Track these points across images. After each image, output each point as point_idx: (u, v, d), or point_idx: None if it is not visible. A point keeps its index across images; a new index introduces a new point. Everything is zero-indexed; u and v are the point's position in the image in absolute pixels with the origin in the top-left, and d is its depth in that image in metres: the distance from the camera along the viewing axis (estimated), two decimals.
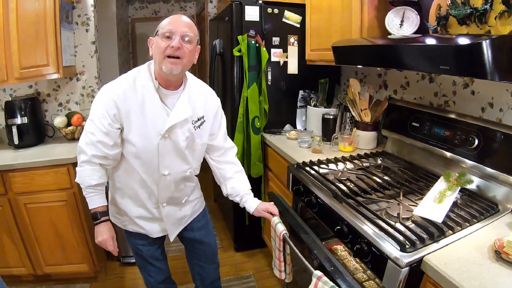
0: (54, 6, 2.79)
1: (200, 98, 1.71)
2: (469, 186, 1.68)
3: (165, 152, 1.61)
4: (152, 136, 1.56)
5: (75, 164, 2.51)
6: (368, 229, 1.39)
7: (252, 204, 1.89)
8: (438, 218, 1.36)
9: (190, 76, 1.71)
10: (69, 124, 3.15)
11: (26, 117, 2.94)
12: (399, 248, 1.23)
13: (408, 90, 2.31)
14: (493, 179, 1.62)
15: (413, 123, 2.06)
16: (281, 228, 1.70)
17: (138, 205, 1.75)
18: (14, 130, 2.88)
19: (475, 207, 1.52)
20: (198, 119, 1.70)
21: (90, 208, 1.67)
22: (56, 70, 2.85)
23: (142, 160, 1.61)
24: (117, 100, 1.50)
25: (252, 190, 1.96)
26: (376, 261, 1.32)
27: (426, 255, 1.20)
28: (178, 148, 1.64)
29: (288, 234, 1.67)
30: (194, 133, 1.68)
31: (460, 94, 1.92)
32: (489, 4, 1.38)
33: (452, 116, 1.85)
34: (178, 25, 1.46)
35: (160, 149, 1.59)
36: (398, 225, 1.37)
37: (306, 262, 1.41)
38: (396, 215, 1.45)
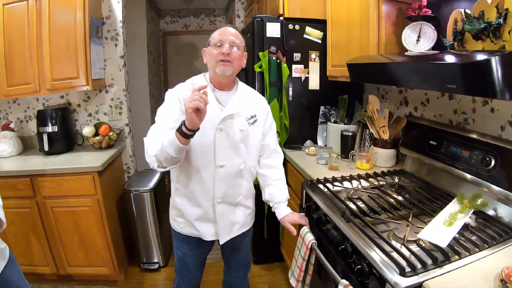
0: (84, 22, 2.95)
1: (252, 99, 1.91)
2: (485, 209, 1.61)
3: (221, 144, 1.76)
4: (208, 129, 1.71)
5: (100, 173, 2.72)
6: (370, 250, 1.36)
7: (281, 211, 1.99)
8: (443, 242, 1.30)
9: (241, 82, 1.91)
10: (97, 133, 3.29)
11: (56, 126, 3.13)
12: (398, 272, 1.19)
13: (428, 107, 2.25)
14: (510, 202, 1.54)
15: (430, 142, 2.00)
16: (310, 237, 1.79)
17: (194, 203, 1.85)
18: (45, 137, 3.07)
19: (488, 231, 1.45)
20: (251, 117, 1.86)
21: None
22: (86, 83, 3.01)
23: (198, 153, 1.75)
24: (180, 96, 1.72)
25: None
26: (376, 283, 1.28)
27: (426, 280, 1.15)
28: (233, 140, 1.78)
29: (316, 244, 1.73)
30: (249, 128, 1.83)
31: (480, 111, 1.86)
32: (502, 18, 1.34)
33: (469, 135, 1.79)
34: (226, 35, 1.70)
35: (216, 141, 1.74)
36: (402, 248, 1.33)
37: (334, 271, 1.47)
38: (402, 237, 1.41)
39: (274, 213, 2.04)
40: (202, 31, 6.38)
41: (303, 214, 1.96)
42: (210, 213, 1.86)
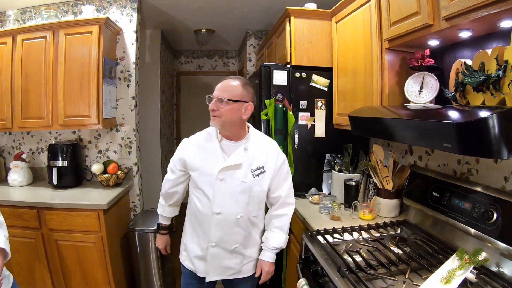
0: (98, 62, 3.08)
1: (261, 150, 1.94)
2: (487, 264, 1.55)
3: (219, 193, 1.86)
4: (209, 177, 1.86)
5: (105, 211, 2.78)
6: None
7: (262, 255, 2.03)
8: None
9: (253, 131, 1.99)
10: (105, 171, 3.33)
11: (66, 161, 3.22)
12: None
13: (433, 156, 2.22)
14: (510, 257, 1.49)
15: (433, 193, 1.96)
16: None
17: (194, 241, 1.99)
18: (55, 171, 3.15)
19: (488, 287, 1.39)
20: (258, 168, 1.91)
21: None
22: (97, 122, 3.12)
23: (200, 198, 1.91)
24: (184, 152, 1.98)
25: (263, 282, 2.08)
26: None
27: None
28: (232, 190, 1.87)
29: None
30: (252, 180, 1.89)
31: (483, 162, 1.83)
32: (501, 70, 1.33)
33: (471, 187, 1.74)
34: (216, 90, 1.82)
35: (215, 189, 1.85)
36: None
37: None
38: None
39: (277, 260, 2.12)
40: (215, 72, 6.55)
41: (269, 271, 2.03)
42: (205, 253, 1.94)
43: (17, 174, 3.30)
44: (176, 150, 2.05)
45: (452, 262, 1.55)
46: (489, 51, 1.42)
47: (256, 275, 2.04)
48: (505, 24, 1.36)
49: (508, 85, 1.29)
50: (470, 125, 1.18)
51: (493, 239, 1.54)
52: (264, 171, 1.92)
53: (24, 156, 3.49)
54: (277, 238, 2.01)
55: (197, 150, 1.93)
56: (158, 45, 5.02)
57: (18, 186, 3.29)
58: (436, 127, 1.36)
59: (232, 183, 1.86)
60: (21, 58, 3.15)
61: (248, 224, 1.96)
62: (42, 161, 3.65)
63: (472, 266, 1.50)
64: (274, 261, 2.04)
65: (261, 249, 2.05)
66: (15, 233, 2.80)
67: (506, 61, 1.29)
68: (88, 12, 3.37)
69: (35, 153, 3.67)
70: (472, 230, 1.65)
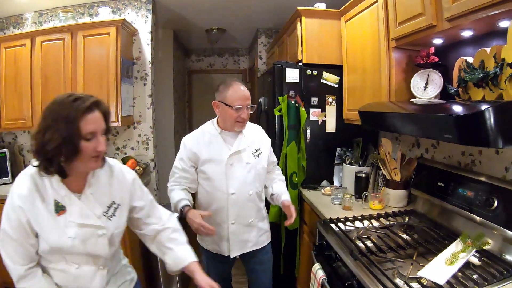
0: (116, 62, 3.21)
1: (255, 135, 2.27)
2: (489, 248, 1.67)
3: (231, 176, 2.11)
4: (220, 164, 2.10)
5: None
6: (374, 287, 1.43)
7: (284, 198, 2.26)
8: (441, 280, 1.37)
9: None
10: None
11: None
12: None
13: (439, 149, 2.33)
14: (510, 241, 1.60)
15: (439, 183, 2.07)
16: (321, 274, 1.91)
17: (214, 224, 2.06)
18: None
19: (489, 270, 1.50)
20: (256, 150, 2.22)
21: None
22: (116, 120, 3.26)
23: (214, 184, 2.12)
24: (186, 144, 2.18)
25: (288, 241, 2.41)
26: None
27: None
28: (242, 172, 2.13)
29: (327, 280, 1.83)
30: (255, 160, 2.18)
31: (485, 153, 1.93)
32: (499, 68, 1.44)
33: (473, 176, 1.86)
34: (244, 100, 2.06)
35: (227, 174, 2.10)
36: (404, 286, 1.40)
37: None
38: (405, 275, 1.48)
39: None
40: (227, 70, 6.67)
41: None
42: (226, 232, 2.16)
43: None
44: (180, 150, 2.22)
45: (456, 245, 1.66)
46: (488, 50, 1.52)
47: (289, 217, 2.15)
48: (504, 24, 1.47)
49: (505, 81, 1.40)
50: (467, 118, 1.29)
51: (494, 224, 1.66)
52: (261, 152, 2.24)
53: None
54: (284, 186, 2.40)
55: (202, 144, 2.14)
56: (170, 45, 5.16)
57: None
58: (438, 120, 1.49)
59: (240, 166, 2.13)
60: (40, 59, 3.29)
61: (257, 198, 2.23)
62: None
63: (475, 249, 1.62)
64: None
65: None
66: None
67: (503, 59, 1.40)
68: (105, 14, 3.51)
69: None
70: (475, 217, 1.76)
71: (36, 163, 1.31)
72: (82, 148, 1.28)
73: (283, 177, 2.49)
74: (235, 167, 2.12)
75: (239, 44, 6.30)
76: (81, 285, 1.49)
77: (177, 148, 5.28)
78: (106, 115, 1.39)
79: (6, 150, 3.48)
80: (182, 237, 1.72)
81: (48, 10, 3.78)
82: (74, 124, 1.25)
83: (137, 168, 3.43)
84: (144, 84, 3.68)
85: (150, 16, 3.65)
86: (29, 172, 1.35)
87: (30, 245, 1.35)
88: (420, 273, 1.45)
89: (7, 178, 3.43)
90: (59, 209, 1.36)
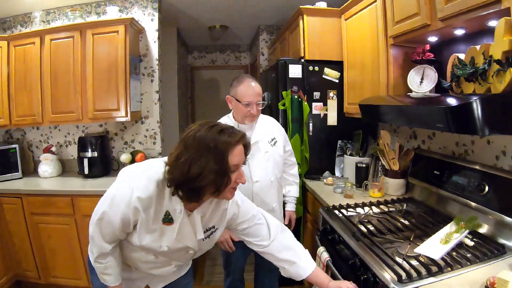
0: (125, 60, 3.32)
1: (269, 126, 2.43)
2: (482, 231, 1.81)
3: (253, 165, 2.26)
4: None
5: None
6: (375, 263, 1.57)
7: (288, 207, 2.63)
8: (436, 255, 1.52)
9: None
10: (133, 161, 3.61)
11: (96, 152, 3.47)
12: (397, 280, 1.40)
13: (434, 140, 2.47)
14: (501, 223, 1.74)
15: (434, 172, 2.21)
16: (325, 256, 2.03)
17: None
18: (85, 161, 3.40)
19: (481, 249, 1.64)
20: (272, 139, 2.38)
21: None
22: (125, 115, 3.39)
23: None
24: None
25: (292, 229, 2.45)
26: None
27: (420, 286, 1.37)
28: (262, 160, 2.29)
29: (331, 261, 1.97)
30: (272, 149, 2.35)
31: (478, 143, 2.08)
32: (487, 63, 1.58)
33: (466, 164, 2.01)
34: (254, 96, 2.20)
35: (249, 163, 2.22)
36: (403, 262, 1.54)
37: None
38: (403, 253, 1.62)
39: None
40: (228, 66, 6.79)
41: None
42: None
43: (47, 166, 3.55)
44: None
45: (450, 227, 1.81)
46: (478, 47, 1.66)
47: (286, 223, 2.52)
48: (492, 23, 1.60)
49: (492, 76, 1.54)
50: (456, 109, 1.44)
51: (486, 208, 1.80)
52: (277, 141, 2.40)
53: (53, 149, 3.73)
54: (296, 189, 2.65)
55: None
56: (174, 42, 5.29)
57: (49, 177, 3.54)
58: (430, 112, 1.64)
59: (259, 155, 2.28)
60: (49, 57, 3.39)
61: (277, 184, 2.43)
62: (70, 153, 3.92)
63: (468, 231, 1.76)
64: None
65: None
66: (49, 220, 3.10)
67: (491, 56, 1.53)
68: (112, 12, 3.64)
69: (63, 146, 3.93)
70: (469, 202, 1.91)
71: (167, 177, 1.34)
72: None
73: (298, 179, 2.68)
74: (255, 156, 2.24)
75: (241, 40, 6.42)
76: (151, 270, 1.65)
77: None
78: (246, 148, 1.42)
79: (16, 146, 3.56)
80: (294, 255, 1.70)
81: (55, 9, 3.88)
82: (224, 158, 1.29)
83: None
84: (151, 81, 3.80)
85: (156, 14, 3.78)
86: (156, 178, 1.38)
87: (124, 233, 1.46)
88: (416, 250, 1.61)
89: (18, 173, 3.52)
90: (167, 220, 1.44)
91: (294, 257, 1.69)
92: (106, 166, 3.62)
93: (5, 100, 3.49)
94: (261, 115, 2.41)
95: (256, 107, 2.21)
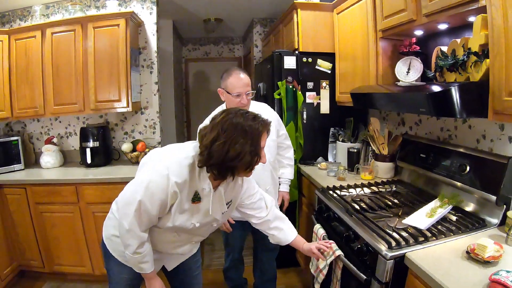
0: (125, 52, 3.42)
1: (262, 112, 2.39)
2: (464, 207, 2.00)
3: None
4: None
5: None
6: (368, 234, 1.77)
7: (282, 188, 2.78)
8: (422, 226, 1.71)
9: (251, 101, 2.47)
10: (134, 150, 3.73)
11: (98, 142, 3.58)
12: (387, 247, 1.59)
13: (421, 126, 2.66)
14: (482, 199, 1.93)
15: (421, 155, 2.40)
16: (321, 232, 2.24)
17: None
18: (88, 151, 3.51)
19: (464, 222, 1.83)
20: None
21: None
22: (127, 105, 3.49)
23: None
24: None
25: (287, 213, 2.53)
26: (371, 257, 1.69)
27: (408, 252, 1.56)
28: None
29: (327, 236, 2.20)
30: None
31: (460, 128, 2.26)
32: (465, 55, 1.76)
33: (449, 147, 2.20)
34: (243, 87, 2.29)
35: None
36: (392, 232, 1.73)
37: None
38: (392, 226, 1.82)
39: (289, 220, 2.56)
40: (222, 58, 6.93)
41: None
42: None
43: (49, 157, 3.65)
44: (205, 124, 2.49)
45: (435, 203, 2.01)
46: (459, 40, 1.84)
47: (279, 203, 2.69)
48: (472, 19, 1.77)
49: (471, 66, 1.72)
50: (436, 95, 1.64)
51: (467, 186, 1.99)
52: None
53: (54, 140, 3.81)
54: (290, 172, 2.80)
55: None
56: (170, 35, 5.43)
57: (51, 168, 3.63)
58: (415, 98, 1.86)
59: None
60: (51, 50, 3.46)
61: (271, 167, 2.54)
62: (71, 144, 4.02)
63: (451, 206, 1.97)
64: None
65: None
66: (54, 209, 3.20)
67: (469, 49, 1.71)
68: (111, 6, 3.76)
69: (64, 137, 4.02)
70: (454, 182, 2.09)
71: (198, 158, 1.50)
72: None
73: (293, 161, 2.84)
74: None
75: (234, 33, 6.57)
76: (173, 250, 1.82)
77: (178, 132, 5.55)
78: (268, 133, 1.57)
79: (18, 138, 3.61)
80: (282, 224, 1.99)
81: (54, 2, 3.94)
82: (258, 141, 1.48)
83: (147, 150, 3.71)
84: (151, 72, 3.93)
85: (154, 8, 3.89)
86: (187, 162, 1.53)
87: (157, 218, 1.59)
88: (404, 221, 1.81)
89: (20, 165, 3.56)
90: (196, 199, 1.59)
91: (283, 225, 1.99)
92: (107, 156, 3.73)
93: (7, 93, 3.53)
94: (255, 102, 2.54)
95: (246, 97, 2.32)
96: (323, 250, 1.90)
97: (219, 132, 1.44)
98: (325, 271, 2.07)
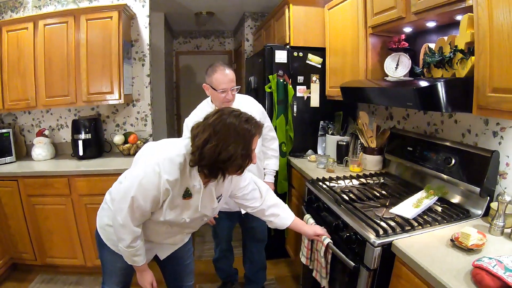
0: (118, 45, 3.44)
1: (246, 105, 2.49)
2: (449, 199, 2.08)
3: None
4: None
5: None
6: (356, 223, 1.84)
7: (267, 178, 2.82)
8: (409, 215, 1.80)
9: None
10: (125, 142, 3.76)
11: (89, 134, 3.59)
12: (375, 235, 1.67)
13: (408, 120, 2.73)
14: (466, 191, 2.01)
15: (408, 148, 2.48)
16: (311, 222, 2.25)
17: None
18: (80, 143, 3.52)
19: (449, 212, 1.92)
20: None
21: None
22: (119, 97, 3.51)
23: None
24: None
25: None
26: (360, 245, 1.77)
27: (395, 240, 1.63)
28: None
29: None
30: None
31: (446, 123, 2.34)
32: (452, 52, 1.83)
33: (437, 141, 2.28)
34: (228, 83, 2.33)
35: None
36: (380, 221, 1.80)
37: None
38: (380, 215, 1.89)
39: None
40: (213, 51, 6.95)
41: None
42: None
43: (41, 149, 3.63)
44: (184, 132, 2.52)
45: (421, 194, 2.09)
46: (446, 38, 1.91)
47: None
48: (459, 18, 1.84)
49: (457, 63, 1.80)
50: (422, 90, 1.71)
51: (452, 178, 2.07)
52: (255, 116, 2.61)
53: (46, 132, 3.80)
54: (275, 163, 2.85)
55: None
56: (162, 28, 5.44)
57: (43, 160, 3.62)
58: (402, 92, 1.92)
59: None
60: (43, 42, 3.43)
61: (257, 158, 2.49)
62: (62, 136, 4.01)
63: (437, 197, 2.05)
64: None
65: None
66: (47, 201, 3.21)
67: (456, 46, 1.79)
68: None
69: (55, 129, 4.01)
70: (437, 173, 2.18)
71: (189, 157, 1.53)
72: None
73: (277, 153, 2.89)
74: None
75: (225, 26, 6.58)
76: (165, 240, 1.88)
77: (168, 125, 5.58)
78: (259, 135, 1.60)
79: (9, 130, 3.59)
80: (278, 210, 2.05)
81: None
82: (251, 144, 1.51)
83: (139, 142, 3.74)
84: (143, 65, 3.96)
85: (147, 0, 3.90)
86: (180, 161, 1.55)
87: (150, 213, 1.64)
88: (391, 211, 1.89)
89: (11, 157, 3.54)
90: (187, 195, 1.63)
91: (278, 210, 2.06)
92: (99, 148, 3.75)
93: None
94: (239, 95, 2.58)
95: (231, 93, 2.36)
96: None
97: (211, 133, 1.46)
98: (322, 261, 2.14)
